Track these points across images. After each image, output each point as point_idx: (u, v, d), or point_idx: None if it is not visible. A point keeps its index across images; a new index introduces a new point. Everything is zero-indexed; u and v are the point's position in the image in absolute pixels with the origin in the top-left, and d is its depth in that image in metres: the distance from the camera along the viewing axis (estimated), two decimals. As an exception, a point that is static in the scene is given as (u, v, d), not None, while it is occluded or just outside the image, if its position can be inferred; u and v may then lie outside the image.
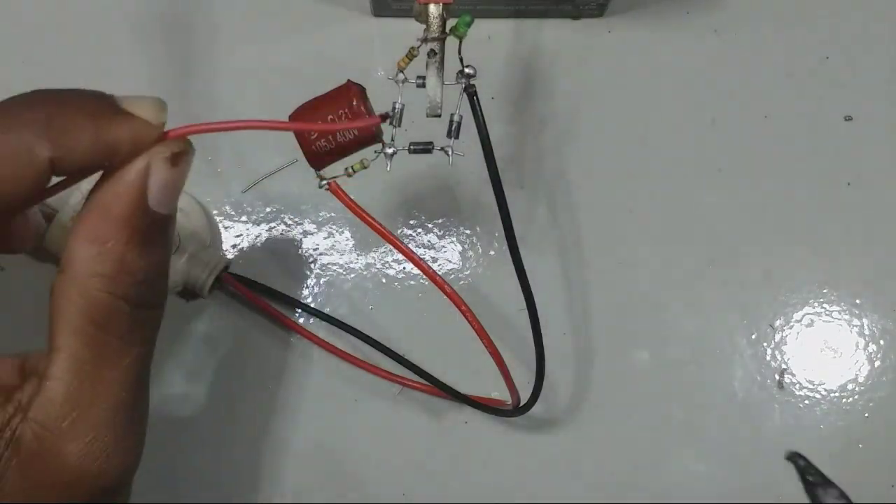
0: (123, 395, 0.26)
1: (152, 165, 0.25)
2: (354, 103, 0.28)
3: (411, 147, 0.29)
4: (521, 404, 0.35)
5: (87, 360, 0.25)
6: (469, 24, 0.28)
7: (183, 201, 0.39)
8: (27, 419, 0.25)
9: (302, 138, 0.29)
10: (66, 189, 0.26)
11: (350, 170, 0.29)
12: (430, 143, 0.29)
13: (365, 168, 0.29)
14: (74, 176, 0.25)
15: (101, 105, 0.25)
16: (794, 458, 0.25)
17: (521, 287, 0.32)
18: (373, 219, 0.30)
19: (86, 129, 0.24)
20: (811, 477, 0.25)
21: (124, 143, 0.25)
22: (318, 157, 0.29)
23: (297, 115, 0.29)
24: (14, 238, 0.30)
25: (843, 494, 0.25)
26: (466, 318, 0.31)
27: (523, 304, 0.39)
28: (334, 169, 0.30)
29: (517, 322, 0.39)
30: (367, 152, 0.29)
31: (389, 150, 0.29)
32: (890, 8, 0.43)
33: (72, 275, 0.25)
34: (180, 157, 0.25)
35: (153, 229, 0.25)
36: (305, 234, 0.41)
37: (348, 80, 0.28)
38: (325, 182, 0.29)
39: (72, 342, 0.25)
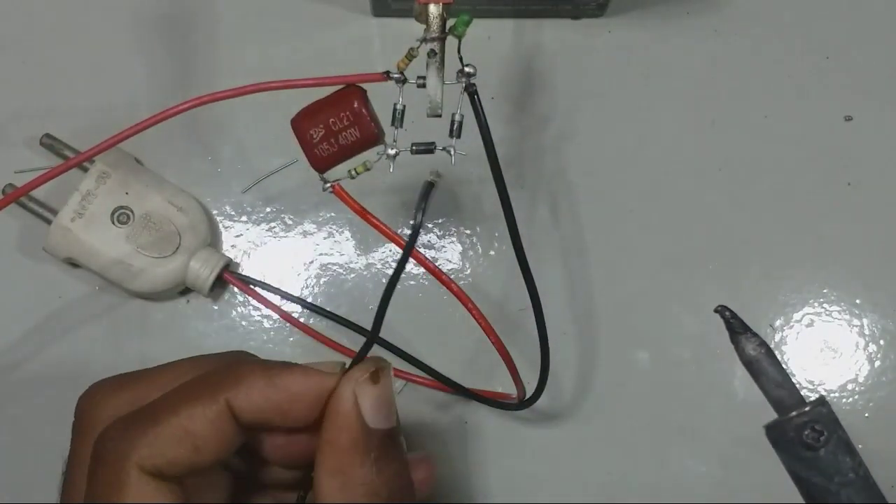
0: None
1: (358, 391, 0.26)
2: (356, 105, 0.28)
3: (413, 148, 0.29)
4: (527, 397, 0.35)
5: None
6: (468, 24, 0.28)
7: (183, 200, 0.39)
8: None
9: (304, 142, 0.29)
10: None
11: (353, 172, 0.29)
12: (433, 143, 0.29)
13: (368, 170, 0.29)
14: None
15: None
16: (721, 309, 0.25)
17: (525, 279, 0.32)
18: (377, 220, 0.30)
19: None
20: (734, 323, 0.25)
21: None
22: (321, 160, 0.29)
23: (298, 119, 0.29)
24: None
25: (763, 343, 0.24)
26: (473, 316, 0.31)
27: (523, 304, 0.39)
28: (334, 171, 0.30)
29: (517, 322, 0.39)
30: (370, 154, 0.29)
31: (392, 152, 0.29)
32: (890, 8, 0.43)
33: None
34: (379, 373, 0.27)
35: (382, 444, 0.27)
36: (305, 234, 0.41)
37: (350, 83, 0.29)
38: (328, 185, 0.29)
39: None
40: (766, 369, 0.24)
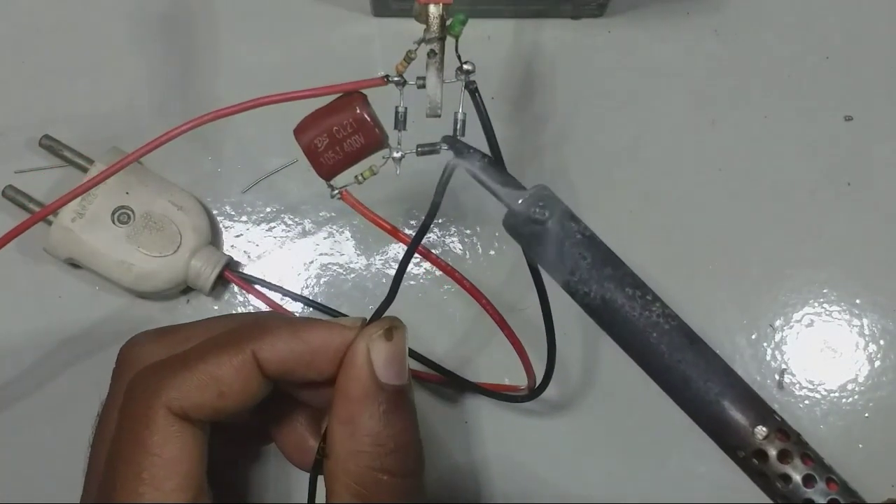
0: None
1: (370, 345, 0.27)
2: (358, 111, 0.28)
3: (419, 149, 0.29)
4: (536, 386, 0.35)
5: None
6: (464, 23, 0.28)
7: (183, 199, 0.39)
8: None
9: (309, 150, 0.29)
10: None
11: (360, 177, 0.29)
12: (437, 143, 0.29)
13: (374, 174, 0.29)
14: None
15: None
16: (445, 138, 0.27)
17: (531, 273, 0.32)
18: (386, 223, 0.30)
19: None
20: (458, 146, 0.27)
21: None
22: (327, 168, 0.29)
23: (302, 129, 0.29)
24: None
25: (484, 155, 0.27)
26: (487, 311, 0.32)
27: (524, 305, 0.39)
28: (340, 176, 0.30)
29: (518, 321, 0.39)
30: (376, 158, 0.29)
31: (397, 154, 0.29)
32: (890, 8, 0.43)
33: (334, 457, 0.27)
34: (392, 332, 0.28)
35: (392, 399, 0.27)
36: (305, 234, 0.41)
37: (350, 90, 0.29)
38: (336, 191, 0.29)
39: None
40: (491, 175, 0.28)
